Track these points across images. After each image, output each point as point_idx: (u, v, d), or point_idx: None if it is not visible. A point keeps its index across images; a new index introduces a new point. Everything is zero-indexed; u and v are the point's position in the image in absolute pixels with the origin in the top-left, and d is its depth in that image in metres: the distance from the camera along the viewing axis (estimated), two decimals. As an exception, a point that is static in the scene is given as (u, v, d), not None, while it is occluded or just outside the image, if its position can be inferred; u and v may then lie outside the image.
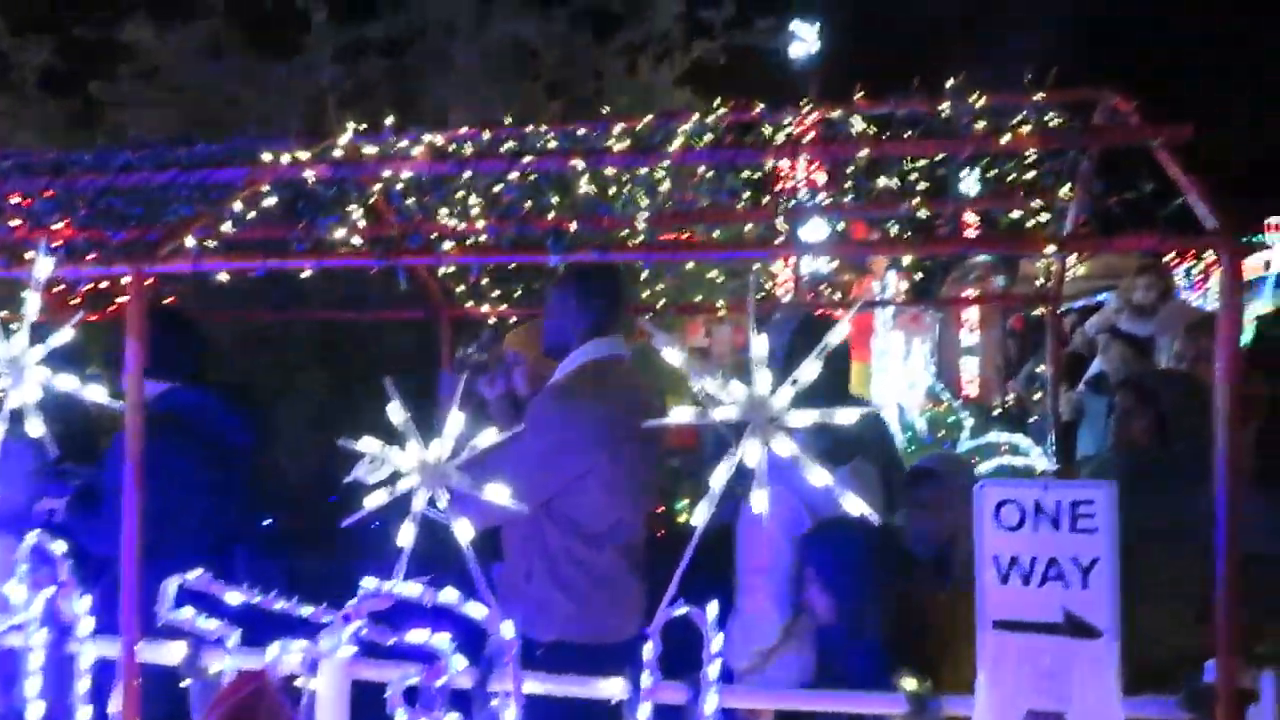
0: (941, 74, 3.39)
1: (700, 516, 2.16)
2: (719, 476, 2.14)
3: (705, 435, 4.03)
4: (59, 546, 2.63)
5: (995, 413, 11.58)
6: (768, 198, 4.06)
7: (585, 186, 3.15)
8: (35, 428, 2.54)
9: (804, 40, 10.63)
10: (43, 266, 2.61)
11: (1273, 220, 14.58)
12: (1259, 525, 2.63)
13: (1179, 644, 2.60)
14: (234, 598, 2.53)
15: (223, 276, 3.37)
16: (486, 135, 3.61)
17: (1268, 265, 14.81)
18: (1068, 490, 2.37)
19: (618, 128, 3.45)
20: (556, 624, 2.77)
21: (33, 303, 2.57)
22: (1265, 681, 2.27)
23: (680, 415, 2.15)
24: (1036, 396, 6.04)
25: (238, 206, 3.37)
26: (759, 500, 2.11)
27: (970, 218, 4.90)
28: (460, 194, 3.81)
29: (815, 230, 5.19)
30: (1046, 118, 3.39)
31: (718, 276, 5.42)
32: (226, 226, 3.45)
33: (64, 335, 2.60)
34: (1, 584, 2.67)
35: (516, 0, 6.41)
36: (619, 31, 6.56)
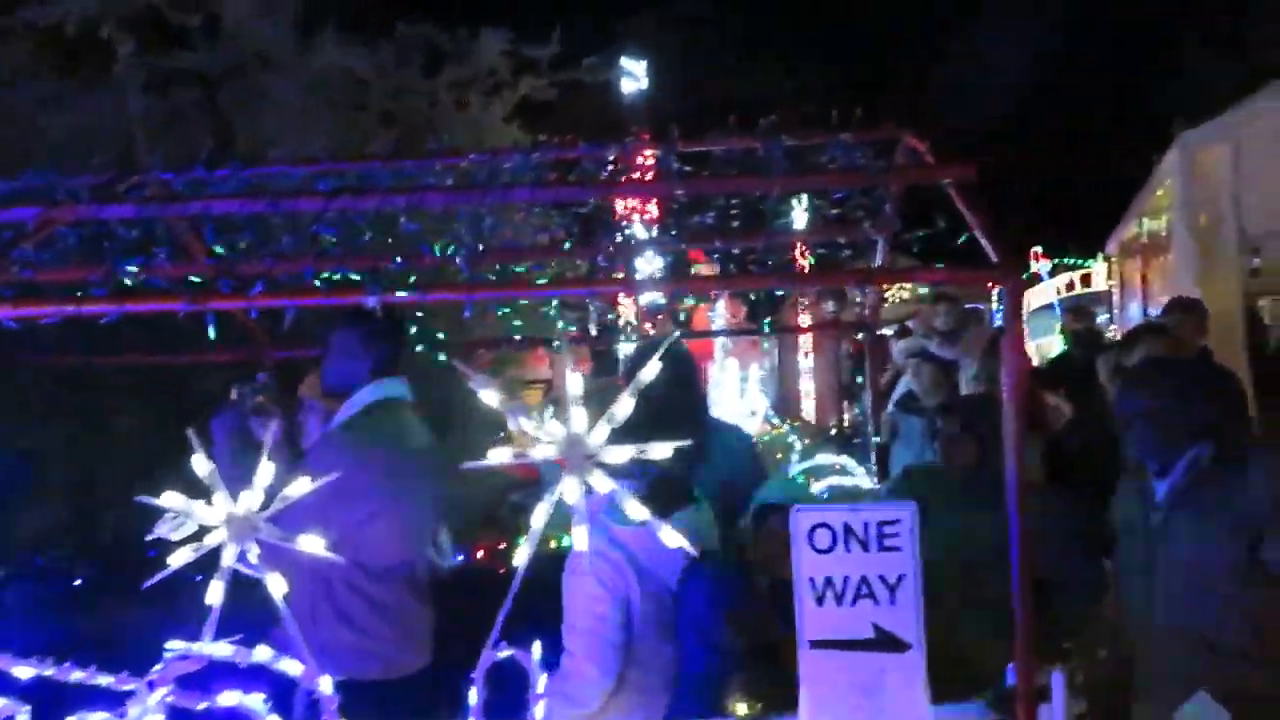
0: (763, 105, 3.55)
1: (522, 557, 2.17)
2: (539, 516, 2.15)
3: (545, 470, 4.05)
4: None
5: (832, 433, 12.09)
6: (593, 232, 4.14)
7: (407, 223, 3.11)
8: None
9: (634, 76, 10.89)
10: None
11: (1037, 249, 16.14)
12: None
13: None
14: (24, 672, 2.34)
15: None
16: (303, 170, 3.53)
17: (1070, 286, 16.13)
18: (874, 512, 2.49)
19: (438, 165, 3.44)
20: (346, 663, 2.69)
21: None
22: (1055, 679, 2.45)
23: (499, 455, 2.15)
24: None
25: (29, 248, 3.17)
26: (579, 538, 2.13)
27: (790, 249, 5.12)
28: (276, 232, 3.70)
29: (650, 261, 5.30)
30: (852, 155, 3.60)
31: (550, 309, 5.45)
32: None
33: None
34: None
35: (338, 33, 6.29)
36: (446, 66, 6.54)
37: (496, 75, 6.67)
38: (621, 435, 2.14)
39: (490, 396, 2.12)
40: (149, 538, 2.25)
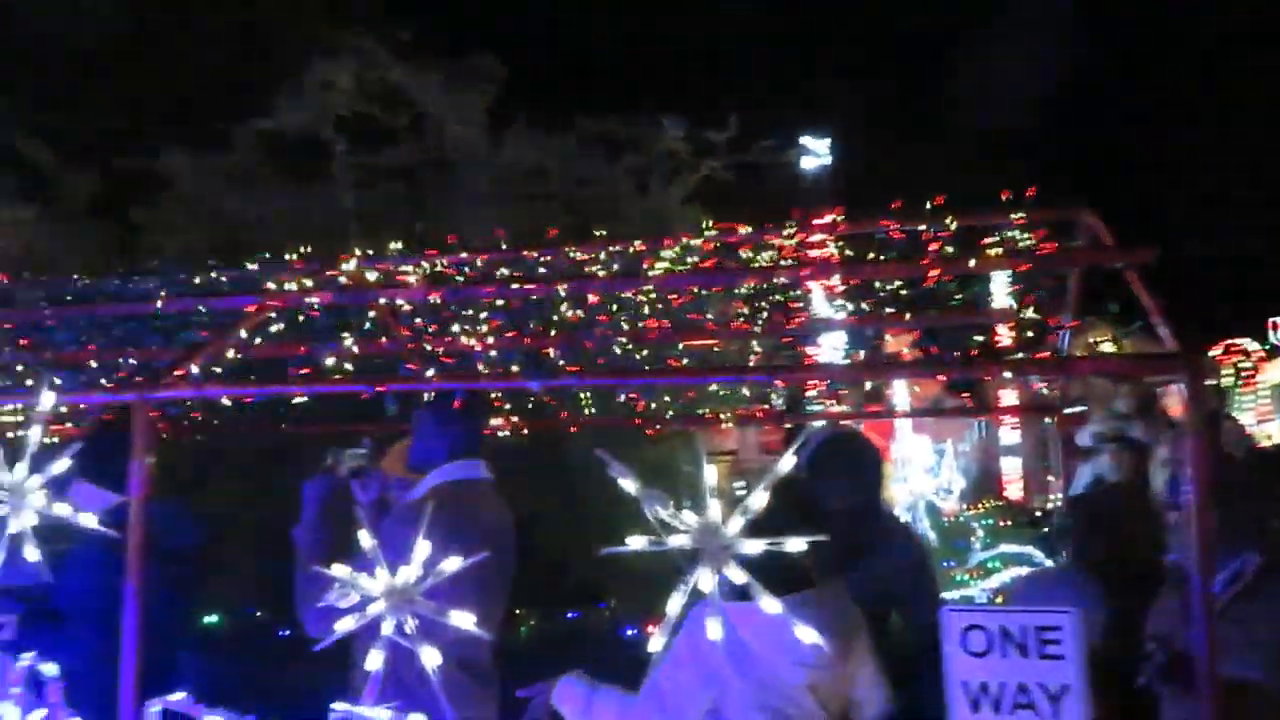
0: (947, 178, 3.50)
1: (657, 644, 2.18)
2: (674, 604, 2.16)
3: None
4: (50, 669, 2.69)
5: (1037, 514, 11.33)
6: (767, 313, 4.12)
7: (569, 310, 3.25)
8: (31, 554, 2.63)
9: (815, 154, 10.91)
10: (46, 399, 2.74)
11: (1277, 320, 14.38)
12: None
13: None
14: (213, 721, 2.56)
15: (226, 400, 3.52)
16: (480, 261, 3.77)
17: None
18: (1033, 616, 2.35)
19: (602, 253, 3.58)
20: None
21: (35, 433, 2.69)
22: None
23: (634, 542, 2.19)
24: None
25: (244, 333, 3.54)
26: (714, 628, 2.13)
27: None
28: (460, 316, 3.95)
29: (834, 340, 5.19)
30: (1025, 237, 3.48)
31: (721, 390, 5.49)
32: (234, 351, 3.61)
33: (63, 464, 2.71)
34: (-6, 706, 2.73)
35: (526, 126, 6.72)
36: (626, 153, 6.82)
37: (676, 159, 6.88)
38: (761, 525, 2.14)
39: (628, 484, 2.17)
40: (319, 605, 2.42)
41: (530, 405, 5.13)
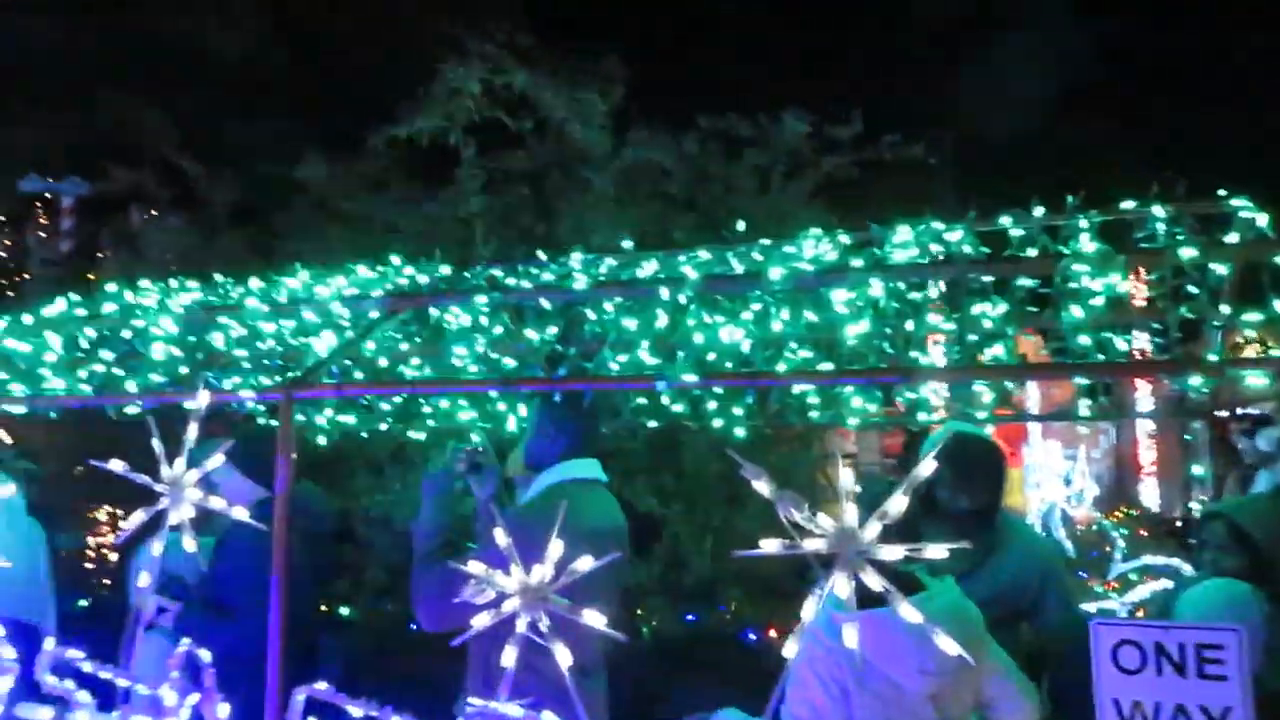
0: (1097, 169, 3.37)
1: (791, 650, 2.15)
2: (809, 609, 2.13)
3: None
4: (205, 655, 2.83)
5: (1178, 525, 10.74)
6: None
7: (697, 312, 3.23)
8: (189, 545, 2.78)
9: (941, 147, 10.57)
10: (202, 397, 2.89)
11: None
12: None
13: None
14: (357, 711, 2.64)
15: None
16: (608, 262, 3.80)
17: None
18: (1193, 633, 2.23)
19: (730, 253, 3.56)
20: None
21: (192, 430, 2.84)
22: None
23: (768, 546, 2.16)
24: None
25: (379, 334, 3.66)
26: (850, 635, 2.08)
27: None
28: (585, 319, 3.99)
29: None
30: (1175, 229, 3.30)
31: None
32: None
33: (217, 460, 2.86)
34: (154, 687, 2.89)
35: (647, 126, 6.74)
36: (747, 150, 6.76)
37: (798, 156, 6.78)
38: (896, 531, 2.09)
39: (763, 487, 2.15)
40: (455, 600, 2.47)
41: (652, 406, 5.14)
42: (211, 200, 8.21)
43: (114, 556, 8.86)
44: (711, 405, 4.65)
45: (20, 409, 4.39)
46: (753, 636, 5.48)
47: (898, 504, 2.08)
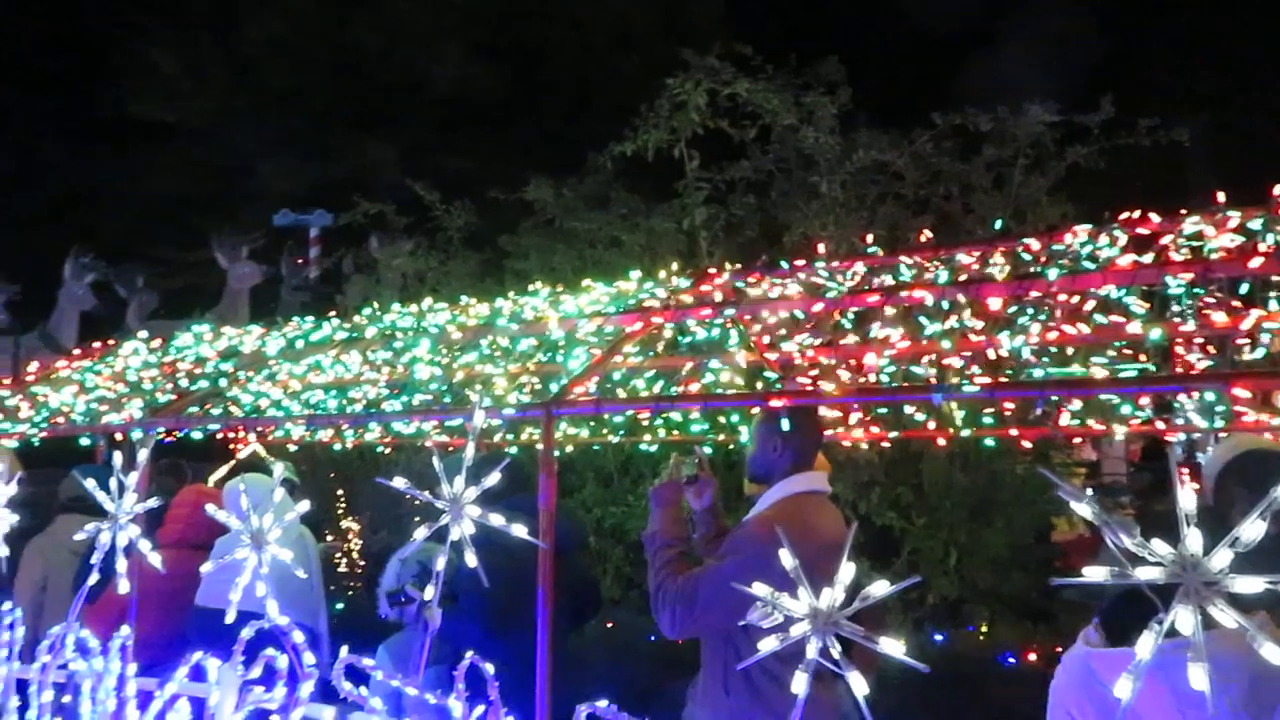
0: None
1: (1125, 689, 1.95)
2: (1146, 646, 1.92)
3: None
4: (489, 667, 2.91)
5: None
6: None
7: (970, 321, 3.05)
8: (471, 560, 2.86)
9: (1196, 134, 9.61)
10: (478, 416, 2.99)
11: None
12: None
13: None
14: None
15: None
16: (860, 268, 3.66)
17: None
18: None
19: (997, 255, 3.35)
20: None
21: (470, 448, 2.94)
22: None
23: (1093, 574, 1.97)
24: None
25: (632, 349, 3.68)
26: (1197, 677, 1.86)
27: None
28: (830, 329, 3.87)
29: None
30: None
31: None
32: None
33: (494, 477, 2.93)
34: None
35: (873, 126, 6.53)
36: (984, 145, 6.41)
37: (1039, 148, 6.37)
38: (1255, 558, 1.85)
39: (1083, 509, 1.96)
40: (741, 623, 2.41)
41: (893, 416, 4.94)
42: (446, 225, 8.64)
43: (363, 563, 9.49)
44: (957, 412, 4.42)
45: (299, 429, 4.74)
46: (1011, 660, 5.14)
47: (1254, 529, 1.84)
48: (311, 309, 10.12)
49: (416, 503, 3.08)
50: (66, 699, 3.63)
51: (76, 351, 6.32)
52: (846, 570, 2.28)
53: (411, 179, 8.82)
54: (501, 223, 8.35)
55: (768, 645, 2.34)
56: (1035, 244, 3.43)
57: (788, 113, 6.40)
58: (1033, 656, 5.18)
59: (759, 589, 2.37)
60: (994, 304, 3.09)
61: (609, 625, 6.50)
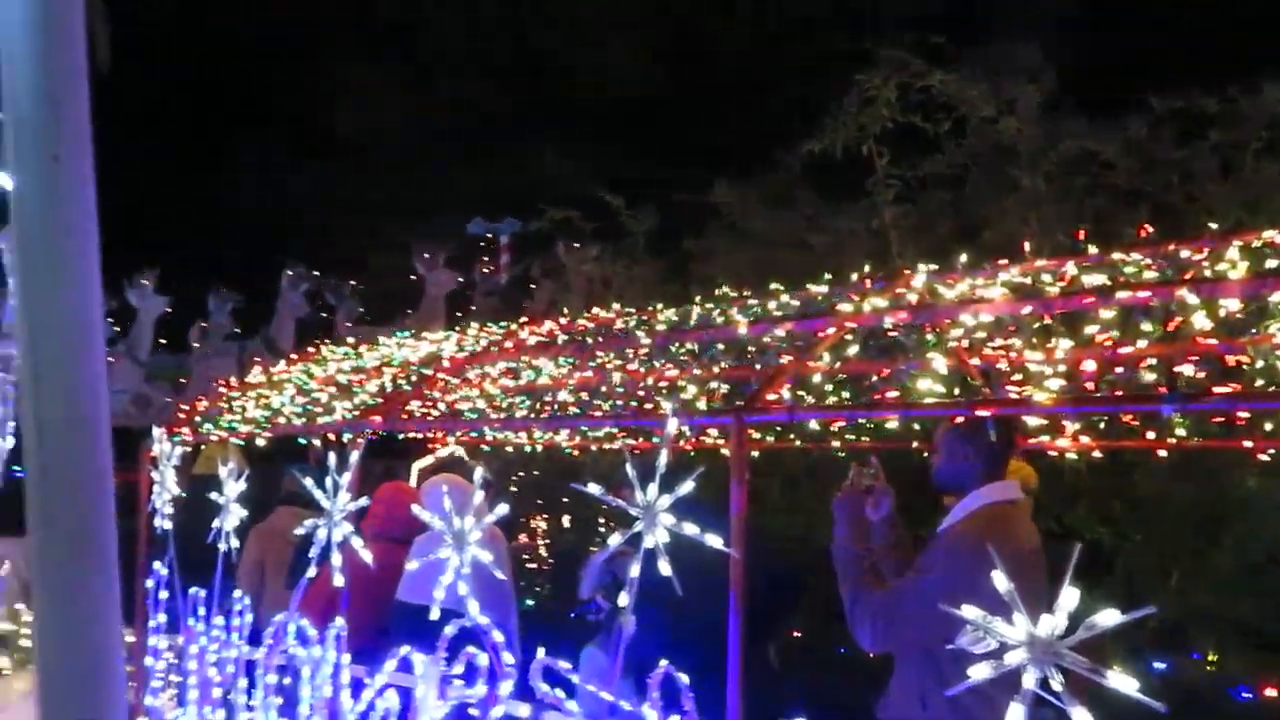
0: None
1: None
2: None
3: None
4: (683, 677, 2.89)
5: None
6: None
7: (1200, 323, 2.78)
8: (664, 569, 2.85)
9: None
10: (671, 424, 2.97)
11: None
12: None
13: None
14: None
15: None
16: (1071, 269, 3.41)
17: None
18: None
19: (1232, 249, 3.04)
20: None
21: (662, 457, 2.92)
22: None
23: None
24: None
25: (825, 355, 3.57)
26: None
27: None
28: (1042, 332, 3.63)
29: None
30: None
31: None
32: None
33: (687, 485, 2.90)
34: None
35: (1085, 116, 6.11)
36: (1211, 128, 5.87)
37: (1276, 130, 5.77)
38: None
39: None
40: (949, 647, 2.29)
41: (1103, 425, 4.60)
42: (632, 230, 8.75)
43: (551, 562, 9.75)
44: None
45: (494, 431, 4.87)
46: (1246, 695, 4.69)
47: None
48: (503, 314, 10.50)
49: (604, 506, 3.11)
50: (287, 681, 3.89)
51: (294, 356, 6.78)
52: (1069, 596, 2.11)
53: (596, 184, 8.98)
54: (684, 226, 8.38)
55: (979, 672, 2.20)
56: (1278, 237, 3.09)
57: (986, 104, 6.09)
58: (1271, 691, 4.70)
59: (969, 611, 2.23)
60: (1230, 305, 2.80)
61: (795, 634, 6.39)
